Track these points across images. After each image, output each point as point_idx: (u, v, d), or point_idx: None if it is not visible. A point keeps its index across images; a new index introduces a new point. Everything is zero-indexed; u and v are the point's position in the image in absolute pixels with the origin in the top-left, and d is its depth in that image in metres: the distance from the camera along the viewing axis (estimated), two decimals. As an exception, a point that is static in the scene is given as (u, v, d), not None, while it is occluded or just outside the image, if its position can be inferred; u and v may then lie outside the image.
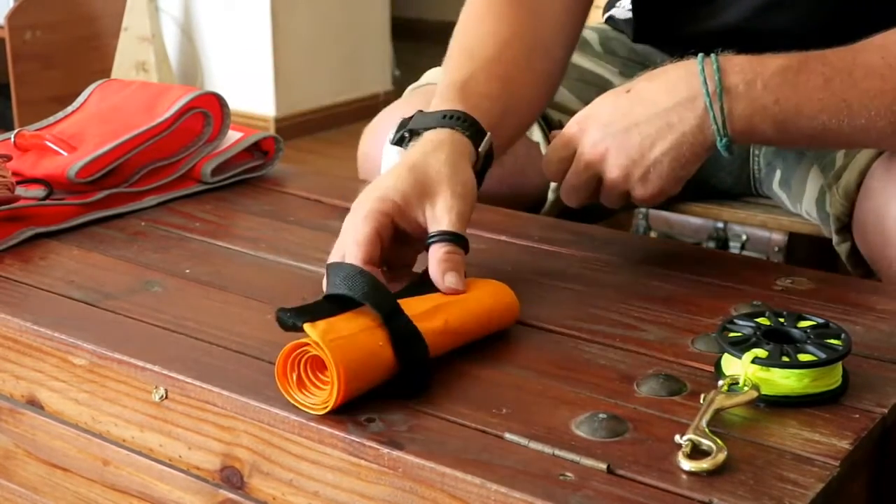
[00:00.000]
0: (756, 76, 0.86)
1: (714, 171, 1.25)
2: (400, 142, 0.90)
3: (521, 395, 0.72)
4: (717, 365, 0.73)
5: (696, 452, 0.63)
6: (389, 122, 1.15)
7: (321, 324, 0.69)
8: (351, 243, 0.80)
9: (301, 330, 0.69)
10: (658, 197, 0.89)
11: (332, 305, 0.72)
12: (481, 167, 0.89)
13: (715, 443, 0.63)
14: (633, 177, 0.88)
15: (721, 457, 0.62)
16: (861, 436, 0.66)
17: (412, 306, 0.74)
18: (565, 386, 0.73)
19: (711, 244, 1.61)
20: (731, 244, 1.61)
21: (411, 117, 0.91)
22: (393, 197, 0.81)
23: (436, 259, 0.80)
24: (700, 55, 0.87)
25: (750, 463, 0.63)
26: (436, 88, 1.16)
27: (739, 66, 0.86)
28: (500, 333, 0.80)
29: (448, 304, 0.76)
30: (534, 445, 0.65)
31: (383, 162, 0.91)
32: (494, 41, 1.00)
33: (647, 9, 1.20)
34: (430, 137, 0.87)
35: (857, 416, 0.68)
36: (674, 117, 0.87)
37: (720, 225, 1.62)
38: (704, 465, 0.62)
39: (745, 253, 1.57)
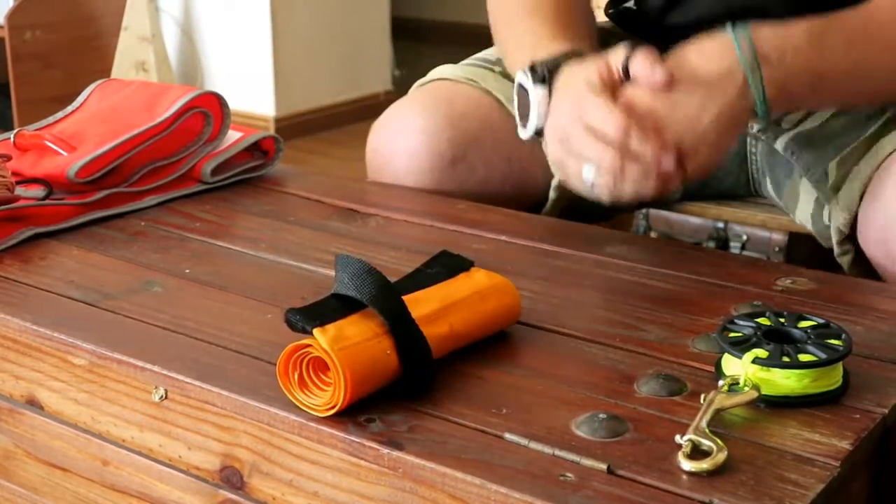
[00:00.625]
0: (785, 43, 0.91)
1: (714, 173, 1.24)
2: (543, 80, 0.97)
3: (521, 395, 0.72)
4: (718, 365, 0.73)
5: (697, 452, 0.63)
6: (398, 118, 1.16)
7: (331, 329, 0.69)
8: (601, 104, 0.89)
9: (310, 333, 0.69)
10: (707, 168, 0.91)
11: (340, 305, 0.71)
12: None
13: (715, 443, 0.63)
14: (684, 149, 0.89)
15: (721, 457, 0.62)
16: (861, 436, 0.66)
17: (418, 305, 0.74)
18: (565, 386, 0.73)
19: (711, 244, 1.61)
20: (732, 244, 1.61)
21: (532, 65, 0.98)
22: (597, 73, 0.91)
23: (639, 62, 0.89)
24: (728, 26, 0.91)
25: (750, 463, 0.63)
26: (442, 84, 1.18)
27: (769, 36, 0.91)
28: (500, 333, 0.80)
29: (453, 305, 0.76)
30: (534, 445, 0.65)
31: (532, 100, 0.97)
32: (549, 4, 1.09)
33: None
34: (575, 65, 0.96)
35: (858, 416, 0.68)
36: (715, 89, 0.90)
37: (720, 225, 1.61)
38: (704, 465, 0.62)
39: (745, 253, 1.57)
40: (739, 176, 1.24)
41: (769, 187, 1.19)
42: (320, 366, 0.69)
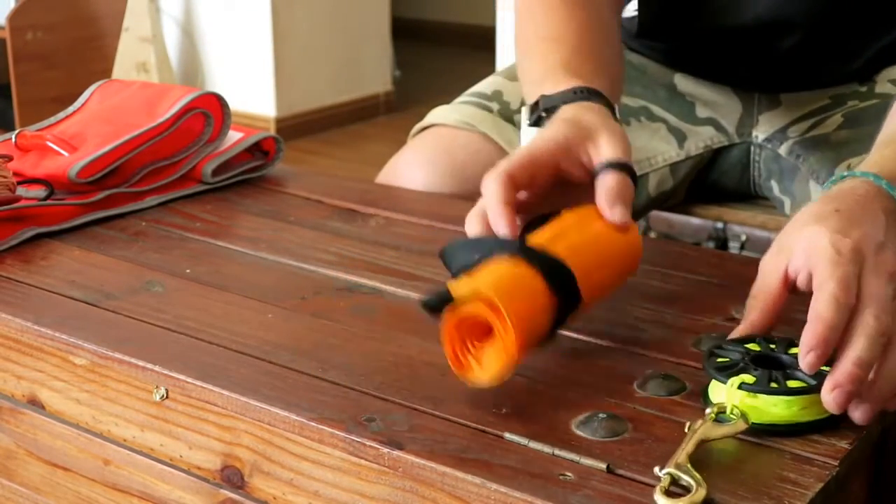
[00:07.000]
0: None
1: (715, 176, 1.25)
2: (537, 123, 0.89)
3: (521, 395, 0.72)
4: (704, 392, 0.70)
5: (676, 486, 0.60)
6: (400, 171, 1.16)
7: (463, 278, 0.68)
8: (490, 182, 0.78)
9: (447, 302, 0.67)
10: None
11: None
12: None
13: (694, 478, 0.60)
14: None
15: (700, 494, 0.59)
16: (860, 436, 0.66)
17: (535, 238, 0.73)
18: (565, 386, 0.73)
19: (711, 244, 1.62)
20: (731, 244, 1.61)
21: (537, 103, 0.90)
22: (555, 139, 0.81)
23: (605, 187, 0.79)
24: (870, 175, 0.76)
25: (749, 462, 0.63)
26: (440, 131, 1.16)
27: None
28: None
29: (567, 227, 0.75)
30: (534, 445, 0.65)
31: (522, 143, 0.89)
32: (570, 31, 1.00)
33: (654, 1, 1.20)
34: (571, 108, 0.86)
35: (857, 415, 0.68)
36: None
37: (720, 225, 1.62)
38: (681, 503, 0.59)
39: (744, 253, 1.57)
40: (741, 180, 1.24)
41: (776, 191, 1.20)
42: (477, 331, 0.68)
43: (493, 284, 0.67)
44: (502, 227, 0.75)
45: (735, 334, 0.72)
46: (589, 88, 0.89)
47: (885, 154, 0.79)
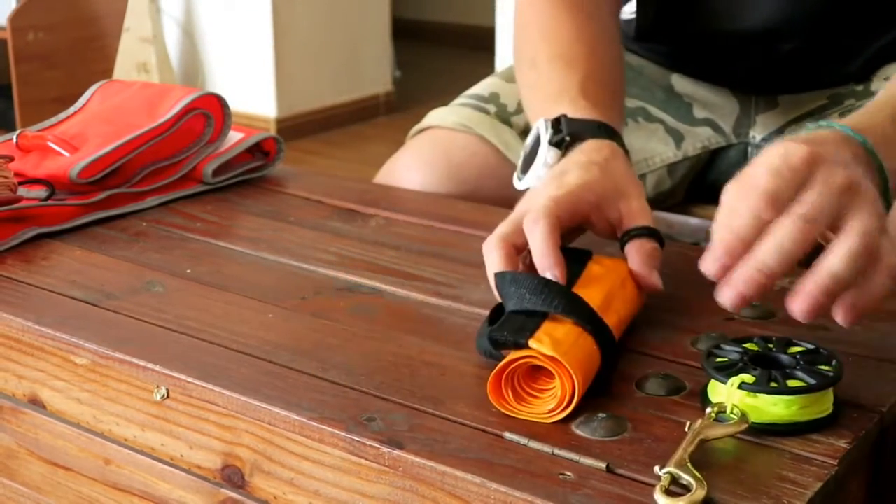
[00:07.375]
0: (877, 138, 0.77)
1: (714, 176, 1.25)
2: (559, 144, 0.90)
3: (521, 394, 0.72)
4: (703, 392, 0.70)
5: (676, 485, 0.61)
6: (397, 172, 1.17)
7: (545, 338, 0.70)
8: (541, 221, 0.79)
9: (521, 347, 0.69)
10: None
11: (525, 317, 0.72)
12: None
13: (695, 478, 0.60)
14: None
15: (699, 494, 0.59)
16: (859, 435, 0.66)
17: (588, 298, 0.75)
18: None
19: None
20: (731, 244, 1.62)
21: (558, 119, 0.91)
22: (593, 189, 0.84)
23: (644, 253, 0.83)
24: (836, 125, 0.76)
25: (749, 462, 0.64)
26: (438, 133, 1.17)
27: (883, 146, 0.77)
28: None
29: (612, 294, 0.78)
30: (533, 445, 0.66)
31: (539, 159, 0.91)
32: (582, 45, 1.02)
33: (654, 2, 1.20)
34: (596, 146, 0.88)
35: (856, 415, 0.68)
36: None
37: (719, 225, 1.62)
38: (681, 502, 0.59)
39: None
40: None
41: None
42: (531, 376, 0.70)
43: (575, 360, 0.69)
44: (553, 274, 0.77)
45: (712, 257, 0.68)
46: (613, 129, 0.91)
47: (860, 114, 0.80)
